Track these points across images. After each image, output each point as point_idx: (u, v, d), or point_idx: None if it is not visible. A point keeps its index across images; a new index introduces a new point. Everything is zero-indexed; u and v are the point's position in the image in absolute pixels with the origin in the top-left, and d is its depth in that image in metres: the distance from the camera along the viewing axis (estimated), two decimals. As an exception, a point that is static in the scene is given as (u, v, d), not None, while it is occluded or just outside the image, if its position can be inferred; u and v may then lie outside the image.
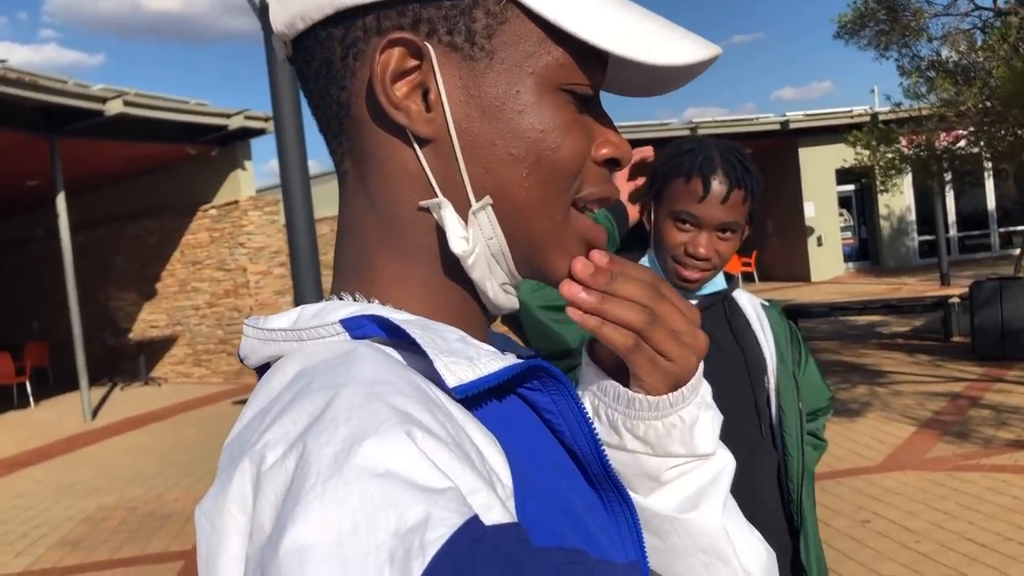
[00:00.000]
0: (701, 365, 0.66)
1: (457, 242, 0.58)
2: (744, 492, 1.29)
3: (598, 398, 0.68)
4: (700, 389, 0.66)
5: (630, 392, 0.65)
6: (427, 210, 0.60)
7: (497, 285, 0.62)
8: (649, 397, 0.64)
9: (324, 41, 0.60)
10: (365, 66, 0.58)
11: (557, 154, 0.59)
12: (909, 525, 4.88)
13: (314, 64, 0.61)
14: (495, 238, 0.60)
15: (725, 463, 0.70)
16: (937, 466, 5.98)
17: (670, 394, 0.64)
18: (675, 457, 0.66)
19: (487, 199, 0.59)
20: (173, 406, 12.15)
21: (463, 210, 0.59)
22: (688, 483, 0.68)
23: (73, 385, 12.43)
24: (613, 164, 0.64)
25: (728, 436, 1.11)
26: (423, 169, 0.59)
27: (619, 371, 0.67)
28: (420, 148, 0.59)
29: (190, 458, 8.59)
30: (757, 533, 0.72)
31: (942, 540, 4.61)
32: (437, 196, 0.59)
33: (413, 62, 0.57)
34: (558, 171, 0.59)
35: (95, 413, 11.92)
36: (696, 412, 0.66)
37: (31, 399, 13.42)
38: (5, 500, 7.67)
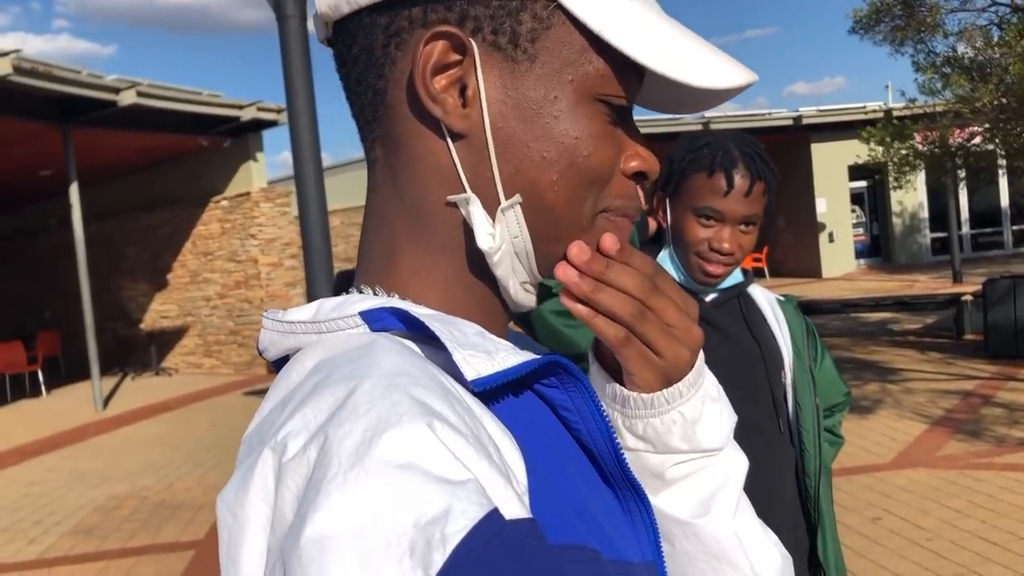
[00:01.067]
0: (701, 357, 0.65)
1: (484, 238, 0.59)
2: (761, 488, 1.29)
3: (600, 397, 0.67)
4: (702, 384, 0.65)
5: (625, 390, 0.64)
6: (455, 205, 0.60)
7: (518, 283, 0.63)
8: (643, 395, 0.63)
9: (368, 27, 0.60)
10: (406, 56, 0.59)
11: (588, 161, 0.59)
12: (921, 523, 4.87)
13: (354, 48, 0.61)
14: (520, 236, 0.60)
15: (737, 464, 0.68)
16: (949, 464, 5.96)
17: (665, 391, 0.63)
18: (678, 453, 0.65)
19: (517, 197, 0.59)
20: (183, 396, 12.22)
21: (491, 207, 0.59)
22: (698, 485, 0.66)
23: (84, 375, 12.50)
24: (640, 177, 0.65)
25: (745, 432, 1.10)
26: (454, 163, 0.59)
27: (620, 369, 0.66)
28: (453, 142, 0.59)
29: (201, 448, 8.63)
30: (773, 536, 0.71)
31: (954, 538, 4.60)
32: (466, 191, 0.59)
33: (455, 57, 0.58)
34: (587, 178, 0.60)
35: (106, 403, 11.99)
36: (699, 408, 0.64)
37: (43, 388, 13.51)
38: (18, 488, 7.73)
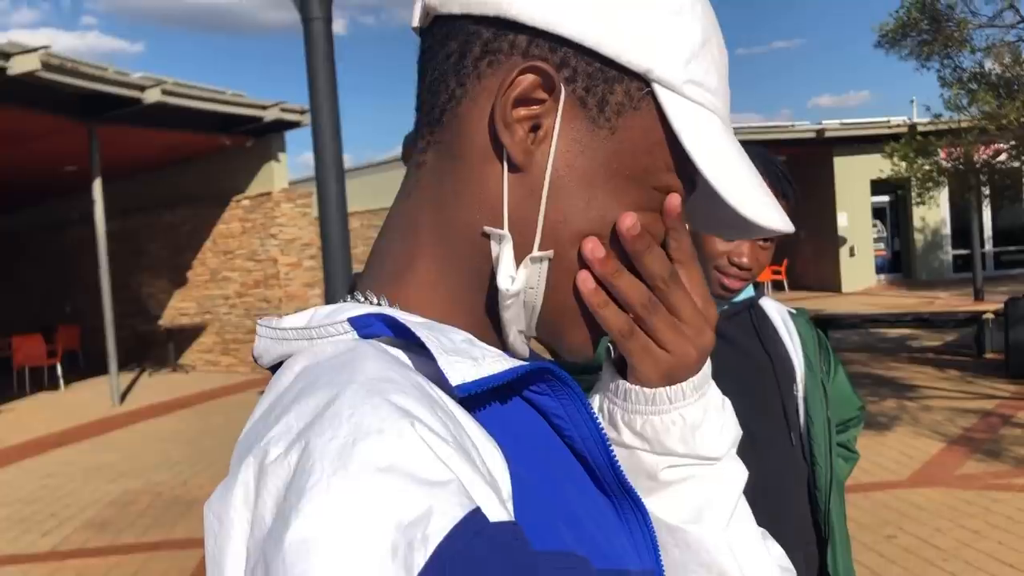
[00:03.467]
0: (708, 366, 0.65)
1: (504, 279, 0.59)
2: (772, 502, 1.28)
3: (602, 392, 0.68)
4: (706, 391, 0.65)
5: (626, 383, 0.64)
6: (487, 236, 0.60)
7: (517, 331, 0.63)
8: (645, 390, 0.63)
9: (470, 34, 0.60)
10: (495, 75, 0.59)
11: None
12: (936, 542, 4.82)
13: (448, 47, 0.61)
14: (536, 290, 0.61)
15: (735, 476, 0.67)
16: (967, 484, 5.90)
17: (668, 388, 0.63)
18: (674, 456, 0.65)
19: (550, 252, 0.60)
20: (200, 393, 12.29)
21: (520, 250, 0.60)
22: (693, 491, 0.66)
23: (103, 369, 12.60)
24: None
25: (756, 444, 1.09)
26: (502, 193, 0.59)
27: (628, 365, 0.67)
28: (509, 172, 0.59)
29: (216, 445, 8.67)
30: (776, 550, 0.70)
31: (970, 559, 4.55)
32: (503, 227, 0.59)
33: (541, 95, 0.58)
34: (618, 251, 0.61)
35: (123, 397, 12.08)
36: (701, 415, 0.64)
37: (61, 381, 13.63)
38: (34, 480, 7.80)
